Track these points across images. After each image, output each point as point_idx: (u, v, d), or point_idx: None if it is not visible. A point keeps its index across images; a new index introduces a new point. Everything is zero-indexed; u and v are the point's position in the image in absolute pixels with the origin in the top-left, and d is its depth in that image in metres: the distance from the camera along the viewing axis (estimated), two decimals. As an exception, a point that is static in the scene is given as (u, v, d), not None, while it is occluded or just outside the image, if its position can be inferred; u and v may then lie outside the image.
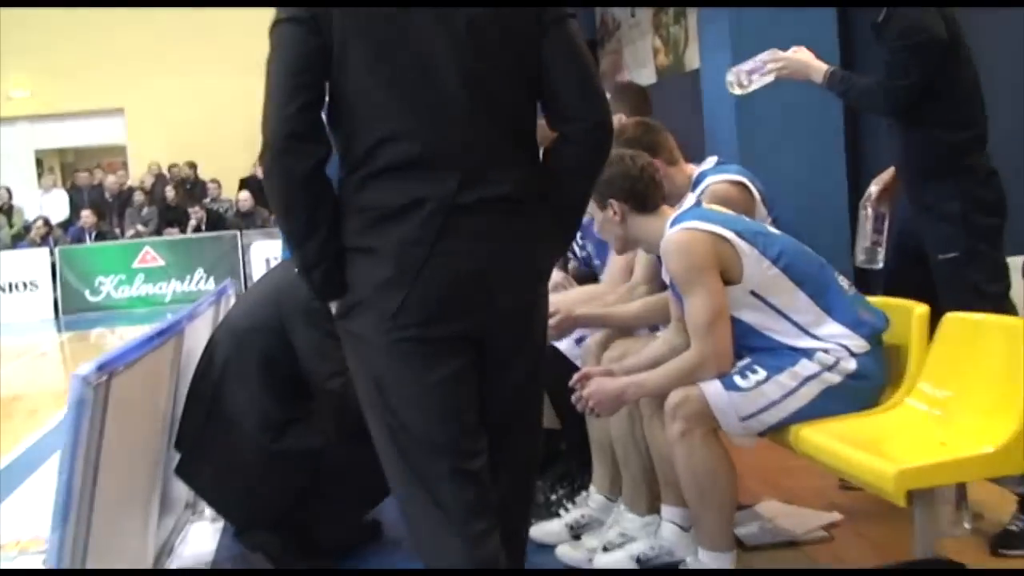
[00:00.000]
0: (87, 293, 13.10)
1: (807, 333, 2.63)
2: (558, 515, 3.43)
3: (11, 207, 14.65)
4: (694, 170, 3.23)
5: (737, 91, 3.43)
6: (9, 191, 14.82)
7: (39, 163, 17.34)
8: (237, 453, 3.15)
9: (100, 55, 15.66)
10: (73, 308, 12.92)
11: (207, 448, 3.20)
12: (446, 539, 1.98)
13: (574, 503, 3.47)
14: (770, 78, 3.39)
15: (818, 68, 3.39)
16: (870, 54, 3.80)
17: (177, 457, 3.25)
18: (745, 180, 3.10)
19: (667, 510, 2.95)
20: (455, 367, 2.00)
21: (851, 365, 2.61)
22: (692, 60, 7.71)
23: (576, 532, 3.32)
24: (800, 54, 3.42)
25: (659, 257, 2.87)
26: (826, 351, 2.61)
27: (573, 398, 2.79)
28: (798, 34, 3.88)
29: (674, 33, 8.31)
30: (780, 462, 3.62)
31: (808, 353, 2.61)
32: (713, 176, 3.11)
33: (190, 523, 3.78)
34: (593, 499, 3.35)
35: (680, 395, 2.59)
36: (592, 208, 2.86)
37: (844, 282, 2.75)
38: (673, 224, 2.70)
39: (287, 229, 2.03)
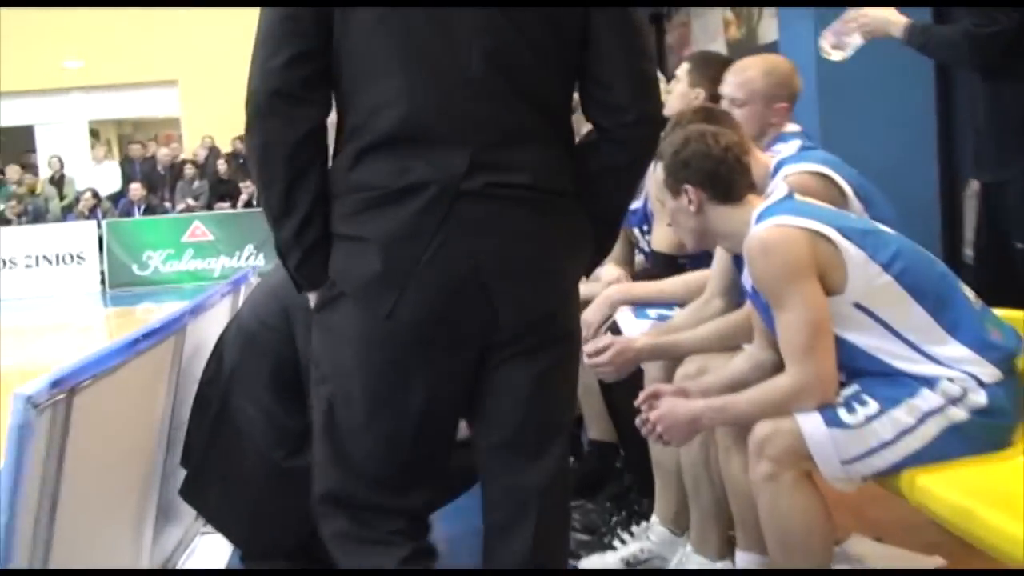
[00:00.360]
0: (135, 267, 12.94)
1: (927, 356, 2.14)
2: (613, 547, 2.98)
3: (63, 177, 14.52)
4: (772, 158, 2.76)
5: (836, 56, 3.11)
6: (61, 160, 14.70)
7: (95, 134, 17.24)
8: (246, 471, 2.76)
9: (154, 26, 15.46)
10: (120, 282, 12.77)
11: (214, 465, 2.80)
12: (371, 559, 1.84)
13: (631, 534, 3.03)
14: (859, 37, 3.07)
15: (897, 23, 3.03)
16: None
17: (183, 474, 2.86)
18: (829, 171, 2.60)
19: (743, 556, 2.49)
20: (432, 401, 1.75)
21: (980, 398, 2.11)
22: (767, 33, 7.19)
23: (634, 568, 2.87)
24: (879, 9, 3.07)
25: (736, 258, 2.40)
26: (951, 380, 2.12)
27: (638, 421, 2.33)
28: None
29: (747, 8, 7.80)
30: (864, 487, 3.16)
31: (930, 382, 2.12)
32: (791, 165, 2.62)
33: (200, 535, 3.39)
34: (655, 531, 2.90)
35: (769, 428, 2.12)
36: (663, 193, 2.39)
37: (970, 293, 2.26)
38: (760, 219, 2.22)
39: (263, 202, 1.73)
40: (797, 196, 2.33)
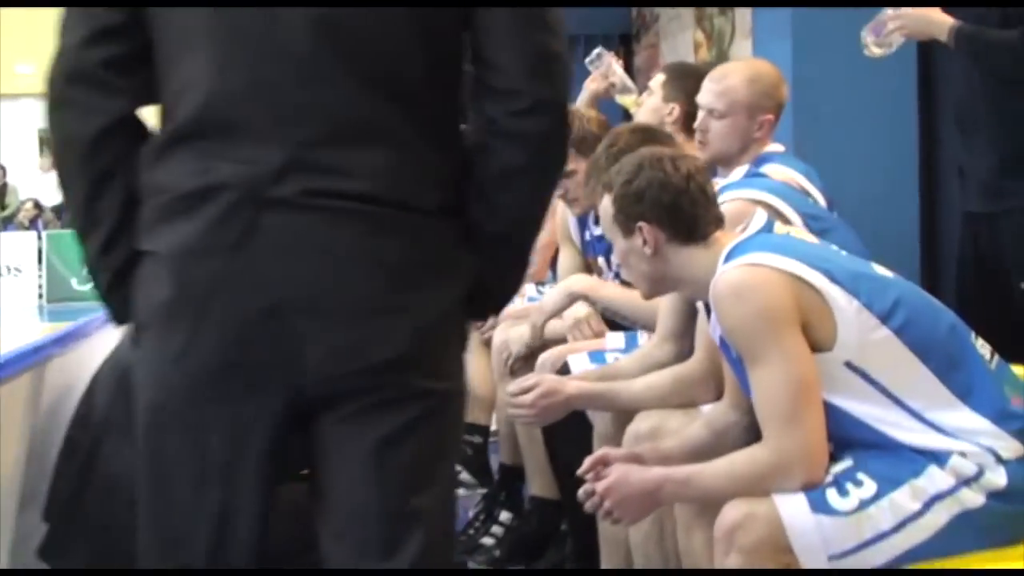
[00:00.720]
0: (74, 281, 12.37)
1: (934, 427, 1.76)
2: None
3: (5, 186, 14.02)
4: (716, 185, 2.39)
5: (877, 52, 2.82)
6: (3, 169, 14.19)
7: (47, 143, 16.72)
8: (118, 528, 2.31)
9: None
10: (58, 296, 12.20)
11: (81, 521, 2.39)
12: None
13: (575, 610, 2.62)
14: (899, 38, 2.79)
15: (941, 24, 2.72)
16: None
17: (44, 531, 2.44)
18: (771, 198, 2.26)
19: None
20: (232, 478, 1.36)
21: (999, 478, 1.73)
22: (738, 54, 6.89)
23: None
24: (920, 8, 2.77)
25: (706, 305, 2.02)
26: (963, 455, 1.73)
27: (581, 493, 1.92)
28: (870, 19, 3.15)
29: (719, 26, 7.52)
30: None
31: (938, 458, 1.73)
32: (730, 192, 2.29)
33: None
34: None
35: (740, 512, 1.71)
36: (612, 232, 2.02)
37: (984, 349, 1.88)
38: (730, 256, 1.85)
39: (68, 213, 1.47)
40: (779, 227, 1.95)
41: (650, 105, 3.08)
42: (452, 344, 1.41)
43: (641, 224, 1.92)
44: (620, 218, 1.95)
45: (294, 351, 1.31)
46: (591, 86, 3.65)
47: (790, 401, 1.72)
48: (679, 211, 1.92)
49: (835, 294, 1.77)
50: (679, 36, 8.40)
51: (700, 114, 2.57)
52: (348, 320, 1.31)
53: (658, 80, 3.11)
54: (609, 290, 2.70)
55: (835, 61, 4.65)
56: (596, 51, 3.70)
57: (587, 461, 1.94)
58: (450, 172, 1.37)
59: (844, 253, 1.94)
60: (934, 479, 1.71)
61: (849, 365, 1.77)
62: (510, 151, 1.36)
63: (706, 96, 2.56)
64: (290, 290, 1.30)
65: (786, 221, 2.21)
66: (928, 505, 1.70)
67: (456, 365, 1.42)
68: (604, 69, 3.64)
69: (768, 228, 1.93)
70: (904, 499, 1.70)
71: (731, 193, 2.26)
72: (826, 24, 4.68)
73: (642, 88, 3.43)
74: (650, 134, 2.44)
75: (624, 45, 9.52)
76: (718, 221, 1.96)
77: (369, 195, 1.30)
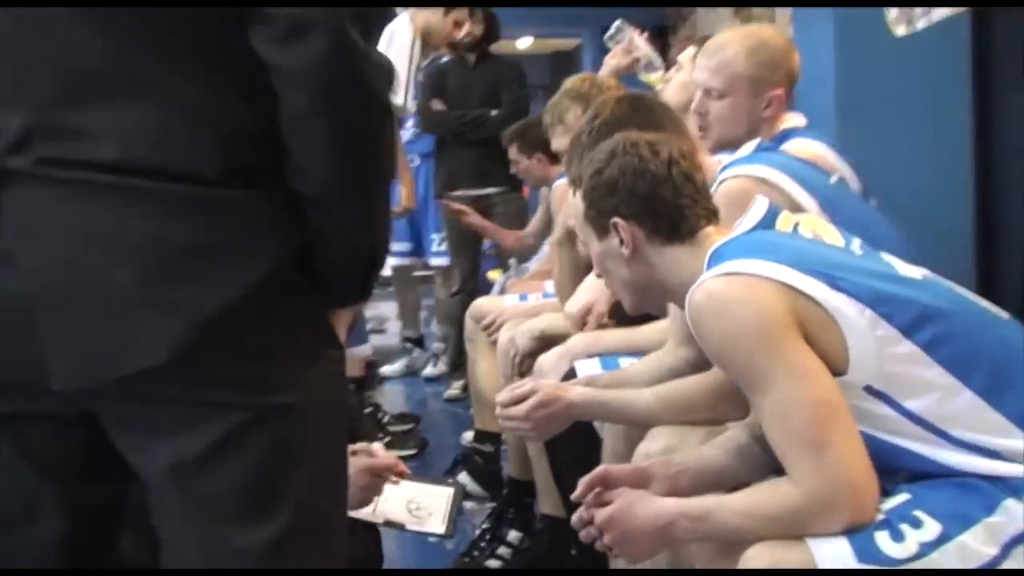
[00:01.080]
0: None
1: (990, 454, 1.42)
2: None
3: None
4: (717, 164, 2.11)
5: (901, 30, 2.29)
6: None
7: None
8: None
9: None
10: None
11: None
12: None
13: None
14: (943, 12, 2.27)
15: None
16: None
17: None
18: (780, 177, 1.95)
19: None
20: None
21: (1090, 515, 1.39)
22: (779, 44, 6.60)
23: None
24: None
25: None
26: (1038, 483, 1.40)
27: (575, 519, 1.61)
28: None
29: (757, 14, 7.23)
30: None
31: (1014, 488, 1.39)
32: (734, 169, 1.98)
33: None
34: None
35: (768, 558, 1.38)
36: (586, 233, 1.73)
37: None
38: (711, 263, 1.54)
39: None
40: (785, 219, 1.63)
41: (679, 80, 2.80)
42: (270, 345, 1.13)
43: (616, 220, 1.64)
44: (592, 215, 1.67)
45: (37, 354, 1.09)
46: (611, 62, 3.36)
47: (811, 427, 1.38)
48: (660, 203, 1.63)
49: (838, 303, 1.44)
50: (716, 30, 8.12)
51: (697, 95, 2.24)
52: (95, 319, 1.07)
53: (688, 54, 2.81)
54: (610, 338, 2.39)
55: (881, 45, 4.30)
56: (616, 24, 3.39)
57: (582, 482, 1.62)
58: (250, 128, 1.10)
59: (860, 252, 1.60)
60: (1012, 515, 1.37)
61: (870, 390, 1.43)
62: (288, 92, 1.09)
63: (701, 73, 2.22)
64: (31, 281, 1.08)
65: (797, 207, 1.88)
66: (1007, 549, 1.36)
67: (282, 372, 1.14)
68: (626, 44, 3.34)
69: (768, 221, 1.62)
70: (976, 542, 1.36)
71: (734, 170, 1.94)
72: (871, 7, 4.39)
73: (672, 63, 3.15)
74: (642, 104, 2.08)
75: (661, 37, 9.25)
76: (710, 215, 1.66)
77: (120, 163, 1.07)
